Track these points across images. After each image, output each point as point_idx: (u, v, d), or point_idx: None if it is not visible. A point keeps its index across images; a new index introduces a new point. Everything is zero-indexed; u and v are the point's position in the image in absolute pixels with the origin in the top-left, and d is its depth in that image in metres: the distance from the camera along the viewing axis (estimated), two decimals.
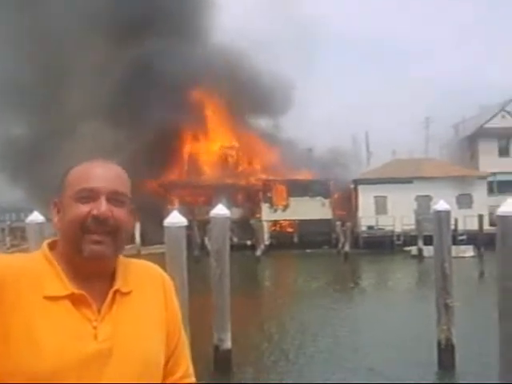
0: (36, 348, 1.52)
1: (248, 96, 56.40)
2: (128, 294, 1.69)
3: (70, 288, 1.61)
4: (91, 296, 1.63)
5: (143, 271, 1.80)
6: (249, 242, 47.86)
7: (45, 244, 1.70)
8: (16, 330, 1.53)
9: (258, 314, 20.73)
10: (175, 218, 10.96)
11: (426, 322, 14.68)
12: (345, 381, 12.59)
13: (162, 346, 1.73)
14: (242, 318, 17.04)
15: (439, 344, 12.92)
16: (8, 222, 53.85)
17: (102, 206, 1.61)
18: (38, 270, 1.62)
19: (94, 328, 1.60)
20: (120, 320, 1.65)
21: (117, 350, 1.60)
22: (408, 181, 49.94)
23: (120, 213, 1.65)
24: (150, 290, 1.76)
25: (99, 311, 1.63)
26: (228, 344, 13.12)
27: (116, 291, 1.67)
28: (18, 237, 47.16)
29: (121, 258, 1.74)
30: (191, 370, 1.86)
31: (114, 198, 1.64)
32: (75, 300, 1.60)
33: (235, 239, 45.61)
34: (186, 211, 36.06)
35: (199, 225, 41.67)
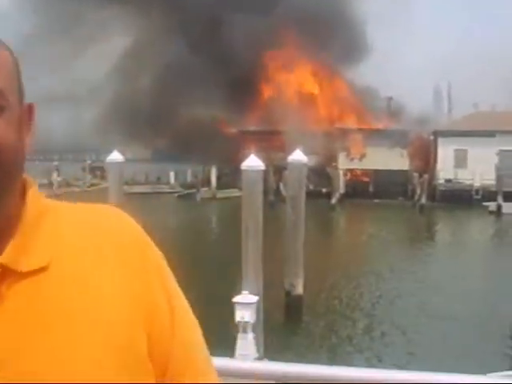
0: None
1: (331, 40, 55.69)
2: (36, 272, 0.88)
3: None
4: None
5: (93, 229, 0.96)
6: (324, 190, 47.70)
7: None
8: None
9: (330, 261, 20.72)
10: (253, 162, 10.91)
11: (500, 280, 14.39)
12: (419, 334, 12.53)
13: (113, 368, 0.86)
14: (313, 265, 17.06)
15: None
16: (89, 161, 55.15)
17: None
18: None
19: None
20: (12, 320, 0.86)
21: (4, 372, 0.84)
22: (490, 134, 48.27)
23: None
24: (100, 262, 0.92)
25: None
26: (300, 290, 13.19)
27: (2, 267, 0.86)
28: (98, 176, 48.34)
29: (41, 203, 0.95)
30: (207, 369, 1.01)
31: None
32: None
33: (311, 186, 45.57)
34: (262, 156, 36.04)
35: (275, 170, 41.67)
